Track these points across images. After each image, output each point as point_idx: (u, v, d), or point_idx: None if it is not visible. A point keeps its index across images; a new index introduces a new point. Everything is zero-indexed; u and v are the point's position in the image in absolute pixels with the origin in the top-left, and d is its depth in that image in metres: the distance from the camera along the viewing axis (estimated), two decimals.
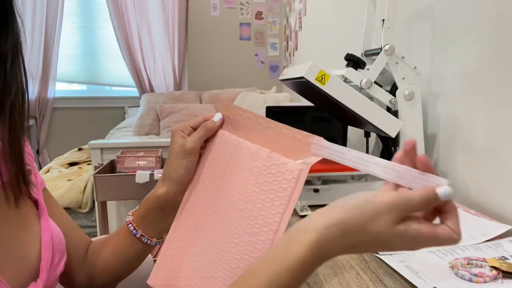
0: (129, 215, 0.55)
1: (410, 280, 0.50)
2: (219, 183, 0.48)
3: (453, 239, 0.34)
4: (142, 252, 0.55)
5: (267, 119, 0.46)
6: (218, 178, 0.48)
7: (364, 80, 0.81)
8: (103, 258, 0.55)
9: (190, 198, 0.51)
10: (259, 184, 0.44)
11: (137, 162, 1.66)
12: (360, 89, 0.81)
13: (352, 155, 0.40)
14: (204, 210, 0.48)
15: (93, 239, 0.59)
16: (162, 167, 1.69)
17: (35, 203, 0.47)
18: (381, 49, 0.83)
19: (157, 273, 0.50)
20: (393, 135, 0.77)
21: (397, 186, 0.37)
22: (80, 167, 2.42)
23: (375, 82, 0.83)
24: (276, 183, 0.43)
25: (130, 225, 0.53)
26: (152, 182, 1.51)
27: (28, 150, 0.51)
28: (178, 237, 0.50)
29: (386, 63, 0.83)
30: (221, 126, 0.50)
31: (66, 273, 0.53)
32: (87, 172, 2.27)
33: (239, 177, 0.46)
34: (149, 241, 0.54)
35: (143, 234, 0.53)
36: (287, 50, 3.35)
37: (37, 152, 3.52)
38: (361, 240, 0.35)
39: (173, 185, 0.51)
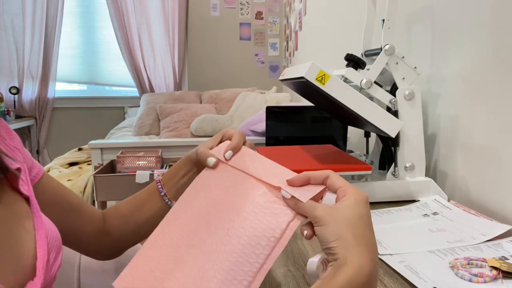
0: (158, 175, 0.63)
1: (410, 280, 0.50)
2: (218, 200, 0.48)
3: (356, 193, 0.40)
4: (161, 211, 0.61)
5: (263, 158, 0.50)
6: (218, 196, 0.48)
7: (364, 80, 0.81)
8: (132, 220, 0.61)
9: (181, 205, 0.50)
10: (254, 216, 0.43)
11: (137, 162, 1.66)
12: (360, 89, 0.81)
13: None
14: (195, 221, 0.47)
15: (107, 208, 0.65)
16: (162, 167, 1.69)
17: (27, 200, 0.46)
18: (381, 49, 0.83)
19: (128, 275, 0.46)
20: (393, 135, 0.77)
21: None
22: (80, 167, 2.42)
23: (375, 82, 0.83)
24: (267, 226, 0.41)
25: (158, 183, 0.62)
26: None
27: (15, 144, 0.51)
28: (160, 242, 0.47)
29: (386, 63, 0.83)
30: (213, 167, 0.54)
31: (90, 242, 0.60)
32: (87, 172, 2.27)
33: (239, 202, 0.45)
34: (169, 202, 0.61)
35: (166, 194, 0.61)
36: (287, 50, 3.35)
37: (37, 152, 3.53)
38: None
39: (193, 158, 0.60)
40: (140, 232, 0.62)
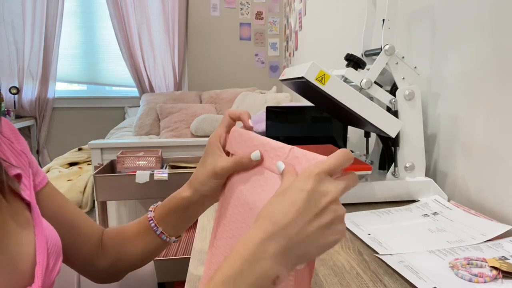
0: (151, 210, 0.57)
1: (410, 280, 0.50)
2: (249, 202, 0.47)
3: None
4: (160, 247, 0.58)
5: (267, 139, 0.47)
6: (248, 197, 0.48)
7: (364, 80, 0.81)
8: (126, 251, 0.58)
9: (221, 217, 0.50)
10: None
11: (137, 162, 1.66)
12: (360, 89, 0.81)
13: None
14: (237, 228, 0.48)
15: (107, 228, 0.61)
16: (162, 167, 1.69)
17: (28, 206, 0.46)
18: (381, 49, 0.83)
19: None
20: (393, 135, 0.77)
21: None
22: (80, 167, 2.42)
23: (375, 82, 0.83)
24: None
25: (151, 221, 0.55)
26: (152, 182, 1.51)
27: (22, 148, 0.50)
28: (218, 251, 0.49)
29: (386, 63, 0.83)
30: (257, 165, 0.47)
31: (84, 262, 0.57)
32: (87, 172, 2.27)
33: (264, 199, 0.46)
34: (168, 239, 0.56)
35: (163, 232, 0.55)
36: (287, 50, 3.35)
37: (37, 152, 3.53)
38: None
39: (198, 193, 0.52)
40: (137, 264, 0.59)
